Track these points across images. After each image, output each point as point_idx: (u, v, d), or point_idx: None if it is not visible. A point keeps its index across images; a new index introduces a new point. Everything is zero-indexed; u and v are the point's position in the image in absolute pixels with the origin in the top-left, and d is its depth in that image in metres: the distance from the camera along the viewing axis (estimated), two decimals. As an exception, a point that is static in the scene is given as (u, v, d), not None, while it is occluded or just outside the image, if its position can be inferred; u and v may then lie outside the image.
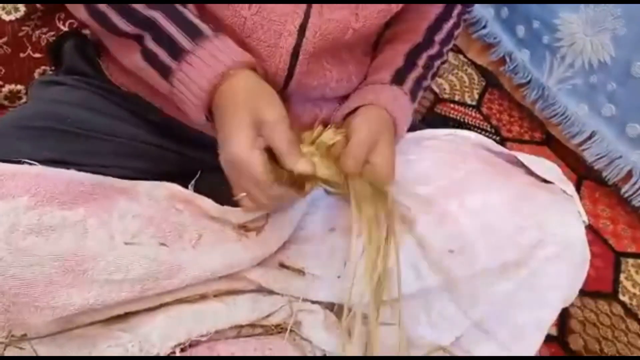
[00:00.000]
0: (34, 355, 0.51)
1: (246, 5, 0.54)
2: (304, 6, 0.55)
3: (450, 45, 0.72)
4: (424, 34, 0.68)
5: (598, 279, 1.06)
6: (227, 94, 0.51)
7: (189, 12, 0.54)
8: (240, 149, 0.48)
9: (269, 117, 0.49)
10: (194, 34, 0.52)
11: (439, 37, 0.69)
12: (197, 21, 0.53)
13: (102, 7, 0.53)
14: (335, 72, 0.63)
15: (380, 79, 0.64)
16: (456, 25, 0.71)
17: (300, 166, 0.50)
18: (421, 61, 0.67)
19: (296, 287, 0.62)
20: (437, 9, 0.69)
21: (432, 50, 0.68)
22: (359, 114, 0.59)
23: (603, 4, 1.09)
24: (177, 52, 0.51)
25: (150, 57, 0.53)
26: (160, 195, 0.58)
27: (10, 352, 0.51)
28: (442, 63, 0.71)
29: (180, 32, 0.52)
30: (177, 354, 0.56)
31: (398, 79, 0.64)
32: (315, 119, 0.66)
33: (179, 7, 0.53)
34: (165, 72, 0.52)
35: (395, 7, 0.60)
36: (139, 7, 0.53)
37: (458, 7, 0.71)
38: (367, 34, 0.62)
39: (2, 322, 0.49)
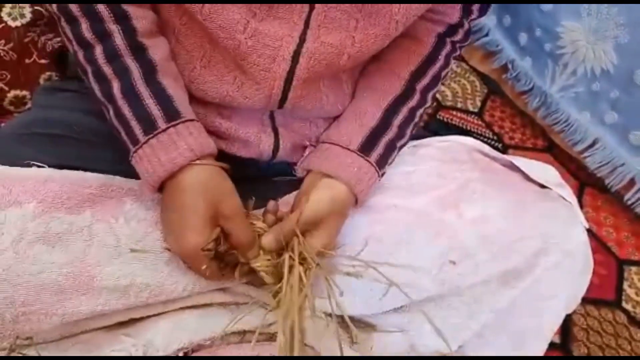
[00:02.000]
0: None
1: (241, 28, 0.54)
2: (299, 29, 0.55)
3: (436, 89, 0.69)
4: (405, 82, 0.65)
5: (601, 286, 1.05)
6: (184, 185, 0.52)
7: (149, 94, 0.53)
8: (193, 247, 0.52)
9: (227, 211, 0.53)
10: (147, 124, 0.52)
11: (421, 85, 0.66)
12: (153, 108, 0.53)
13: (82, 60, 0.54)
14: (331, 95, 0.63)
15: (349, 139, 0.62)
16: (443, 67, 0.68)
17: (254, 262, 0.55)
18: (398, 119, 0.64)
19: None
20: (423, 49, 0.67)
21: (413, 101, 0.66)
22: (314, 193, 0.58)
23: (605, 12, 1.10)
24: (132, 138, 0.53)
25: (114, 129, 0.54)
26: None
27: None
28: (426, 110, 0.68)
29: (135, 119, 0.53)
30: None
31: (368, 145, 0.62)
32: (309, 134, 0.66)
33: (141, 87, 0.53)
34: (126, 147, 0.54)
35: (394, 32, 0.59)
36: (108, 72, 0.53)
37: (447, 47, 0.68)
38: (363, 59, 0.61)
39: (10, 331, 0.49)
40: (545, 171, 0.67)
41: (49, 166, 0.53)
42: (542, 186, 0.66)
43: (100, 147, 0.59)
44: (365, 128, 0.63)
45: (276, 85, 0.57)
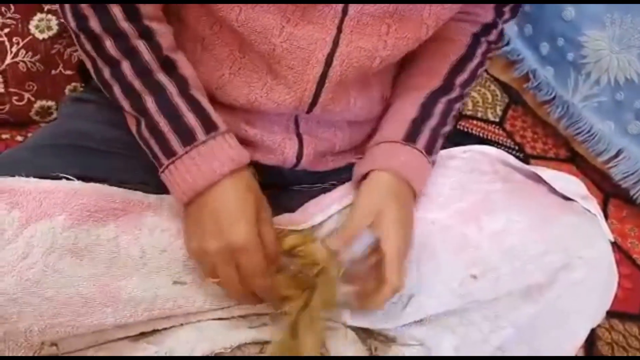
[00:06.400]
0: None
1: (277, 33, 0.55)
2: (332, 33, 0.56)
3: (472, 86, 0.70)
4: (444, 78, 0.66)
5: (626, 300, 1.03)
6: (226, 189, 0.53)
7: (187, 107, 0.54)
8: (250, 234, 0.52)
9: (264, 215, 0.54)
10: (186, 136, 0.53)
11: (460, 79, 0.67)
12: (191, 120, 0.53)
13: (108, 77, 0.54)
14: (359, 99, 0.63)
15: (392, 135, 0.63)
16: (480, 64, 0.69)
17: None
18: (438, 108, 0.65)
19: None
20: (459, 49, 0.68)
21: (452, 94, 0.66)
22: (362, 186, 0.60)
23: (629, 21, 1.08)
24: (167, 150, 0.53)
25: (144, 141, 0.55)
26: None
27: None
28: (462, 104, 0.69)
29: (171, 130, 0.53)
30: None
31: (412, 134, 0.62)
32: (334, 140, 0.66)
33: (177, 100, 0.54)
34: (157, 160, 0.54)
35: (424, 36, 0.60)
36: (139, 87, 0.53)
37: (483, 46, 0.69)
38: (394, 62, 0.62)
39: (37, 341, 0.49)
40: (570, 183, 0.66)
41: (74, 177, 0.54)
42: (567, 198, 0.65)
43: (123, 158, 0.59)
44: (406, 121, 0.63)
45: (308, 88, 0.58)
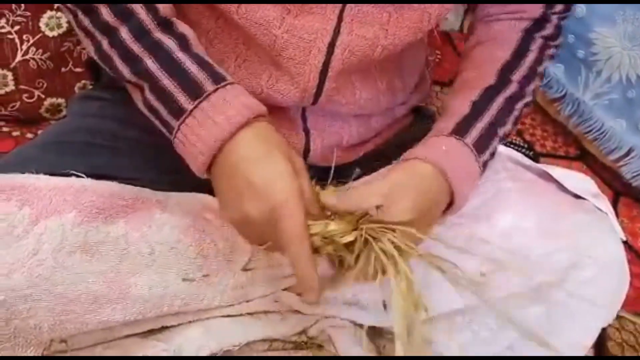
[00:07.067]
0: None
1: (277, 24, 0.55)
2: (333, 23, 0.56)
3: (535, 84, 0.64)
4: (497, 75, 0.62)
5: (638, 299, 1.02)
6: (250, 140, 0.48)
7: (190, 61, 0.51)
8: (291, 195, 0.46)
9: (298, 165, 0.49)
10: (193, 90, 0.49)
11: (517, 75, 0.63)
12: (197, 73, 0.50)
13: (107, 47, 0.52)
14: (364, 90, 0.63)
15: (437, 130, 0.58)
16: (538, 60, 0.65)
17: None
18: (494, 106, 0.60)
19: (337, 312, 0.61)
20: (510, 45, 0.64)
21: (509, 91, 0.62)
22: (387, 169, 0.56)
23: (641, 18, 1.08)
24: (176, 110, 0.49)
25: (151, 110, 0.52)
26: (192, 204, 0.59)
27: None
28: (527, 105, 0.64)
29: (177, 87, 0.49)
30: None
31: (461, 129, 0.57)
32: (342, 134, 0.66)
33: (180, 54, 0.51)
34: (167, 127, 0.51)
35: (426, 25, 0.59)
36: (138, 50, 0.51)
37: (537, 41, 0.66)
38: (397, 52, 0.61)
39: (46, 338, 0.49)
40: (580, 181, 0.66)
41: (84, 174, 0.54)
42: (577, 196, 0.64)
43: (132, 155, 0.60)
44: (454, 116, 0.59)
45: (312, 77, 0.57)
